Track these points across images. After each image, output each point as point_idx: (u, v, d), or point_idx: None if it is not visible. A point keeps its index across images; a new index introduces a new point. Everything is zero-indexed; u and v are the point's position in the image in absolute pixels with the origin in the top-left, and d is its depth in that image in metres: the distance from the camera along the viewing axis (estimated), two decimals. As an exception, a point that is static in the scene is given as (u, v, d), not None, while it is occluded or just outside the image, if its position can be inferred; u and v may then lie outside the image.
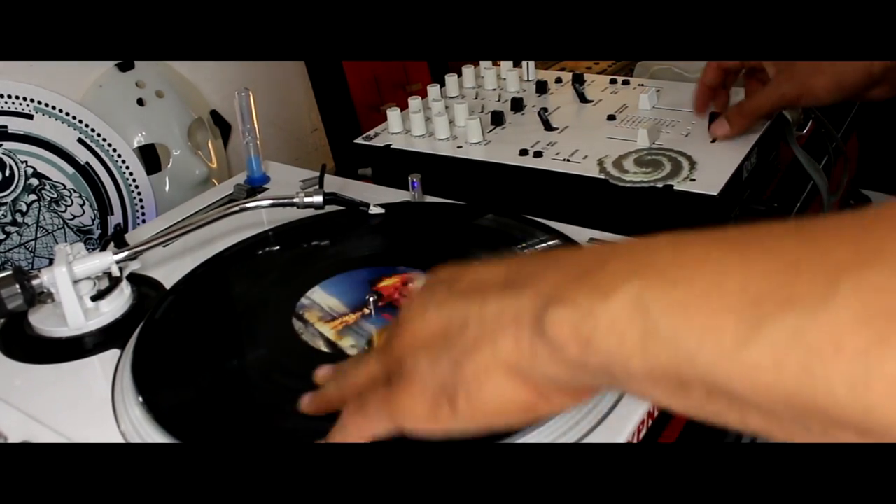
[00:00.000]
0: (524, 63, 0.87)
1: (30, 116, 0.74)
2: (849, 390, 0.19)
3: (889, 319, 0.18)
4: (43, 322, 0.53)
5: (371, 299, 0.51)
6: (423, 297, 0.33)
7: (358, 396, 0.35)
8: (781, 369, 0.20)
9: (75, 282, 0.52)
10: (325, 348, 0.48)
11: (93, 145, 0.78)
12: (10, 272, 0.50)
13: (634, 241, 0.27)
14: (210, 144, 0.88)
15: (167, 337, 0.50)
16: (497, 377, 0.29)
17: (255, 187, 0.72)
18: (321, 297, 0.53)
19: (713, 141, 0.68)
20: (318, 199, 0.59)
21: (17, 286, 0.50)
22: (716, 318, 0.22)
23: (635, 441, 0.41)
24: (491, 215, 0.61)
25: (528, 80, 0.86)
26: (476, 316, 0.30)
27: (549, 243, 0.56)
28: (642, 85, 0.82)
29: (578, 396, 0.31)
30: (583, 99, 0.80)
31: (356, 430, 0.35)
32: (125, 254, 0.54)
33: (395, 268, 0.55)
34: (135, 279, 0.57)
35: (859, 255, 0.20)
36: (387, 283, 0.53)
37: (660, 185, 0.62)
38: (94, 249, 0.54)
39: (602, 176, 0.64)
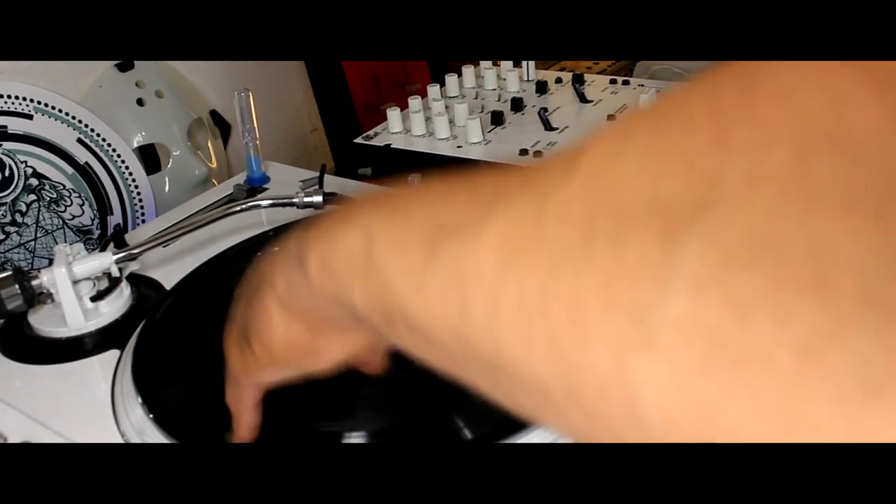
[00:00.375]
0: (524, 63, 0.87)
1: (29, 116, 0.74)
2: (486, 322, 0.18)
3: (515, 245, 0.17)
4: (43, 322, 0.53)
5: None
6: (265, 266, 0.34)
7: None
8: (444, 299, 0.19)
9: (75, 282, 0.52)
10: None
11: (92, 145, 0.78)
12: (9, 272, 0.50)
13: (383, 192, 0.27)
14: (210, 144, 0.88)
15: (167, 338, 0.50)
16: (273, 313, 0.30)
17: (254, 187, 0.72)
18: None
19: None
20: (318, 199, 0.59)
21: (17, 286, 0.49)
22: (407, 246, 0.21)
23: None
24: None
25: (528, 80, 0.86)
26: (269, 262, 0.31)
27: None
28: (642, 85, 0.82)
29: (344, 332, 0.30)
30: (583, 99, 0.80)
31: (229, 396, 0.36)
32: (125, 254, 0.54)
33: None
34: (134, 279, 0.57)
35: (516, 187, 0.19)
36: None
37: (660, 184, 0.62)
38: (93, 250, 0.54)
39: (602, 176, 0.64)
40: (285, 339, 0.31)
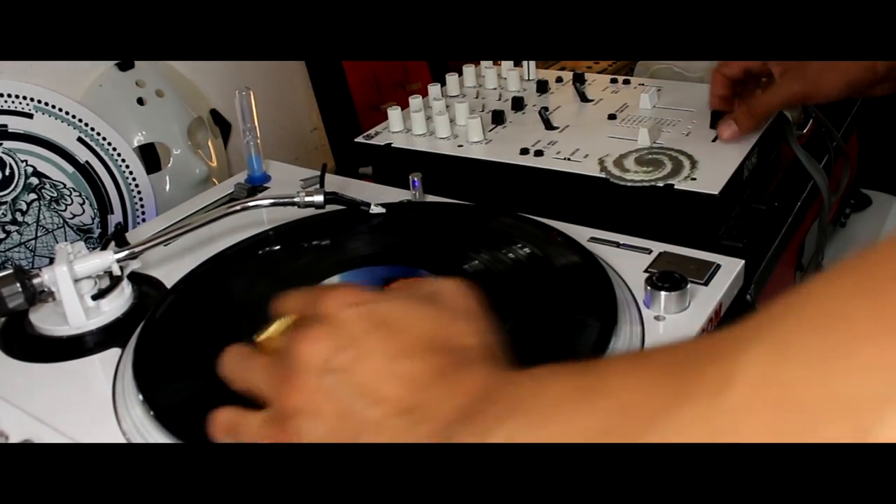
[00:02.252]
0: (525, 62, 0.87)
1: (30, 115, 0.74)
2: None
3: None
4: (44, 321, 0.53)
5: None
6: (320, 350, 0.34)
7: (232, 409, 0.37)
8: None
9: (76, 281, 0.52)
10: None
11: (93, 144, 0.78)
12: (10, 271, 0.50)
13: (510, 382, 0.30)
14: (210, 144, 0.88)
15: (168, 336, 0.50)
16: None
17: (255, 186, 0.72)
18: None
19: (714, 140, 0.68)
20: (319, 198, 0.59)
21: (18, 285, 0.50)
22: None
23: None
24: (492, 215, 0.61)
25: (528, 80, 0.86)
26: (374, 429, 0.32)
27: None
28: (643, 84, 0.82)
29: None
30: (583, 98, 0.80)
31: (226, 439, 0.37)
32: (126, 253, 0.54)
33: (415, 270, 0.54)
34: (135, 278, 0.57)
35: (674, 395, 0.22)
36: (397, 285, 0.53)
37: (660, 184, 0.62)
38: (94, 248, 0.54)
39: (603, 175, 0.64)
40: None
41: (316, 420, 0.33)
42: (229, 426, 0.37)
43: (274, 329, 0.40)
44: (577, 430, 0.25)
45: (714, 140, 0.69)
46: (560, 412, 0.26)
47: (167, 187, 0.84)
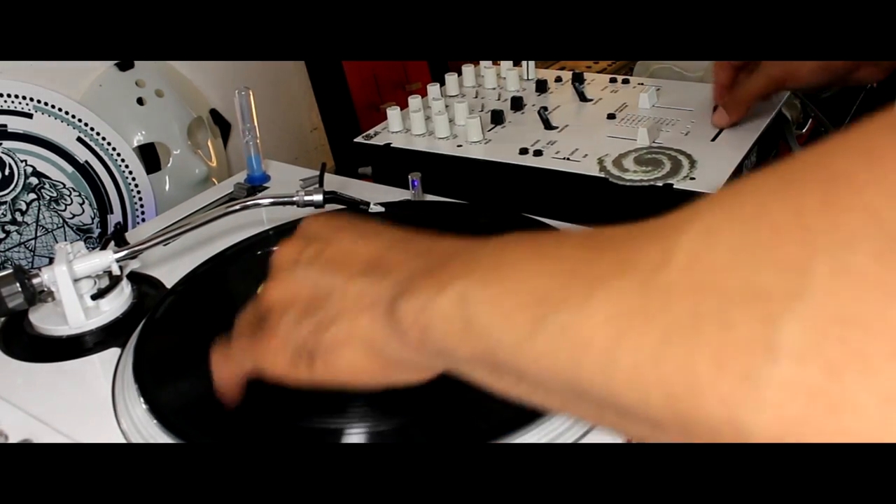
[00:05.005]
0: (524, 62, 0.87)
1: (29, 115, 0.74)
2: (601, 378, 0.23)
3: (626, 320, 0.22)
4: (43, 321, 0.53)
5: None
6: (292, 252, 0.37)
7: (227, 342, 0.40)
8: (555, 358, 0.24)
9: (76, 280, 0.52)
10: None
11: (92, 144, 0.78)
12: (10, 271, 0.50)
13: (472, 244, 0.32)
14: (210, 143, 0.88)
15: (168, 336, 0.50)
16: (352, 348, 0.33)
17: (255, 186, 0.72)
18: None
19: (713, 139, 0.69)
20: (319, 197, 0.59)
21: (18, 285, 0.50)
22: (512, 313, 0.26)
23: (634, 441, 0.41)
24: (490, 215, 0.61)
25: (527, 79, 0.86)
26: (340, 291, 0.34)
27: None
28: (642, 84, 0.82)
29: (423, 373, 0.35)
30: (583, 98, 0.80)
31: (224, 368, 0.39)
32: (125, 252, 0.54)
33: None
34: (135, 278, 0.57)
35: (614, 265, 0.24)
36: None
37: (660, 183, 0.62)
38: (93, 248, 0.54)
39: (602, 175, 0.64)
40: (358, 369, 0.34)
41: (290, 308, 0.36)
42: (222, 355, 0.40)
43: None
44: (524, 289, 0.26)
45: (713, 139, 0.69)
46: (512, 272, 0.27)
47: (167, 187, 0.84)
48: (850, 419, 0.17)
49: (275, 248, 0.39)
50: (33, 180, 0.75)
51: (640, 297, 0.22)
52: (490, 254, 0.30)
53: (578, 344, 0.23)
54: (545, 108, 0.76)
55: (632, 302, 0.22)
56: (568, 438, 0.40)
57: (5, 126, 0.73)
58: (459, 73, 0.86)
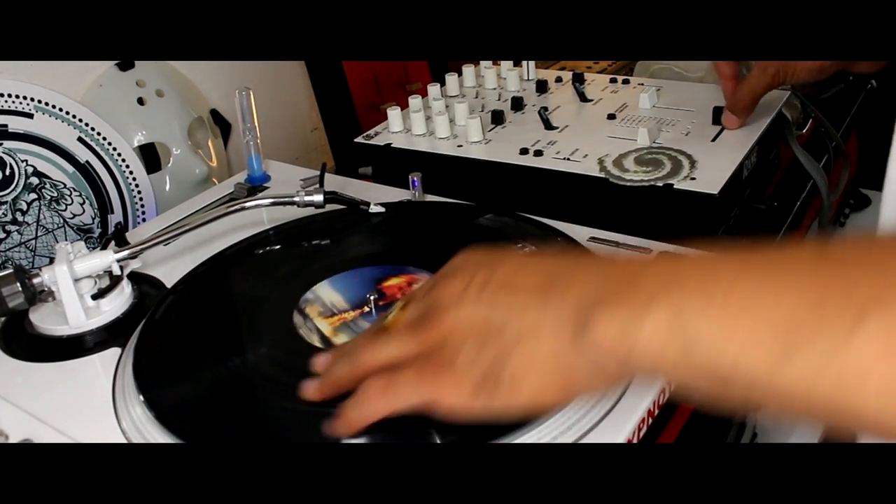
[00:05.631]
0: (524, 62, 0.87)
1: (30, 115, 0.74)
2: (875, 409, 0.22)
3: None
4: (44, 320, 0.53)
5: (371, 297, 0.51)
6: (456, 286, 0.36)
7: (382, 373, 0.37)
8: (814, 389, 0.23)
9: (76, 280, 0.52)
10: (318, 343, 0.48)
11: (93, 144, 0.78)
12: (10, 271, 0.50)
13: (664, 257, 0.31)
14: (210, 143, 0.88)
15: (168, 335, 0.50)
16: (537, 371, 0.33)
17: (255, 186, 0.72)
18: (326, 292, 0.53)
19: (714, 140, 0.68)
20: (319, 197, 0.59)
21: (18, 284, 0.50)
22: (755, 334, 0.25)
23: (634, 441, 0.41)
24: (491, 215, 0.61)
25: (528, 80, 0.86)
26: (517, 316, 0.33)
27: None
28: (642, 84, 0.82)
29: (606, 385, 0.35)
30: (583, 98, 0.80)
31: (383, 403, 0.37)
32: (126, 252, 0.54)
33: (403, 267, 0.55)
34: (135, 278, 0.57)
35: (882, 290, 0.23)
36: (392, 282, 0.53)
37: (660, 184, 0.62)
38: (94, 248, 0.54)
39: (602, 175, 0.64)
40: (543, 391, 0.33)
41: (467, 339, 0.35)
42: (381, 388, 0.37)
43: (394, 314, 0.42)
44: (761, 310, 0.25)
45: (714, 139, 0.69)
46: (735, 291, 0.26)
47: (167, 187, 0.84)
48: None
49: (436, 285, 0.38)
50: (34, 180, 0.75)
51: None
52: (694, 270, 0.29)
53: (848, 374, 0.22)
54: (545, 109, 0.76)
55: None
56: (568, 438, 0.40)
57: (6, 126, 0.73)
58: (460, 73, 0.86)
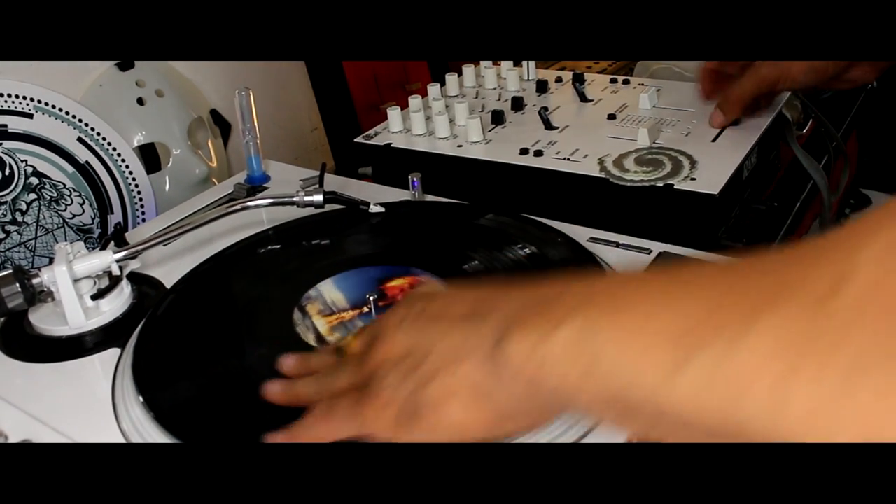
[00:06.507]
0: (524, 62, 0.87)
1: (30, 115, 0.74)
2: (767, 416, 0.20)
3: (799, 352, 0.20)
4: (43, 321, 0.53)
5: (371, 298, 0.51)
6: (397, 316, 0.37)
7: (329, 399, 0.38)
8: (707, 398, 0.22)
9: (75, 280, 0.52)
10: (313, 342, 0.48)
11: (93, 144, 0.78)
12: (10, 271, 0.50)
13: (584, 280, 0.30)
14: (210, 143, 0.88)
15: (167, 336, 0.50)
16: (457, 400, 0.32)
17: (255, 186, 0.72)
18: (328, 290, 0.53)
19: (714, 140, 0.68)
20: (319, 197, 0.59)
21: (18, 285, 0.50)
22: (650, 348, 0.24)
23: (635, 441, 0.41)
24: (491, 215, 0.61)
25: (528, 80, 0.86)
26: (439, 343, 0.33)
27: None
28: (642, 84, 0.82)
29: (537, 419, 0.34)
30: (583, 98, 0.80)
31: (324, 430, 0.38)
32: (125, 252, 0.54)
33: (407, 268, 0.54)
34: (135, 278, 0.57)
35: (775, 292, 0.21)
36: (395, 283, 0.53)
37: (660, 184, 0.62)
38: (94, 248, 0.54)
39: (602, 175, 0.64)
40: (465, 422, 0.33)
41: (393, 368, 0.35)
42: (322, 415, 0.38)
43: (349, 338, 0.44)
44: (661, 321, 0.24)
45: (714, 140, 0.69)
46: (642, 303, 0.25)
47: (167, 187, 0.84)
48: None
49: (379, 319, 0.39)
50: (34, 180, 0.75)
51: (810, 325, 0.20)
52: (609, 287, 0.28)
53: (738, 381, 0.21)
54: (546, 109, 0.76)
55: (802, 332, 0.20)
56: (568, 438, 0.40)
57: (6, 126, 0.73)
58: (460, 73, 0.85)
